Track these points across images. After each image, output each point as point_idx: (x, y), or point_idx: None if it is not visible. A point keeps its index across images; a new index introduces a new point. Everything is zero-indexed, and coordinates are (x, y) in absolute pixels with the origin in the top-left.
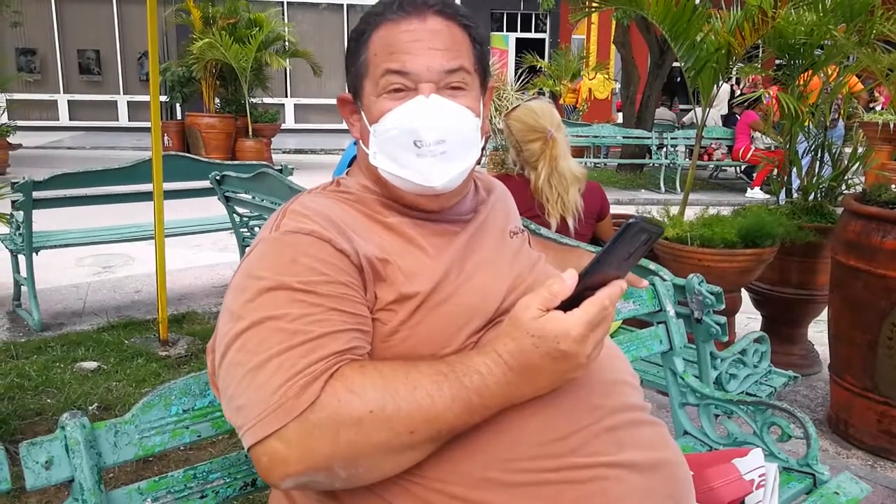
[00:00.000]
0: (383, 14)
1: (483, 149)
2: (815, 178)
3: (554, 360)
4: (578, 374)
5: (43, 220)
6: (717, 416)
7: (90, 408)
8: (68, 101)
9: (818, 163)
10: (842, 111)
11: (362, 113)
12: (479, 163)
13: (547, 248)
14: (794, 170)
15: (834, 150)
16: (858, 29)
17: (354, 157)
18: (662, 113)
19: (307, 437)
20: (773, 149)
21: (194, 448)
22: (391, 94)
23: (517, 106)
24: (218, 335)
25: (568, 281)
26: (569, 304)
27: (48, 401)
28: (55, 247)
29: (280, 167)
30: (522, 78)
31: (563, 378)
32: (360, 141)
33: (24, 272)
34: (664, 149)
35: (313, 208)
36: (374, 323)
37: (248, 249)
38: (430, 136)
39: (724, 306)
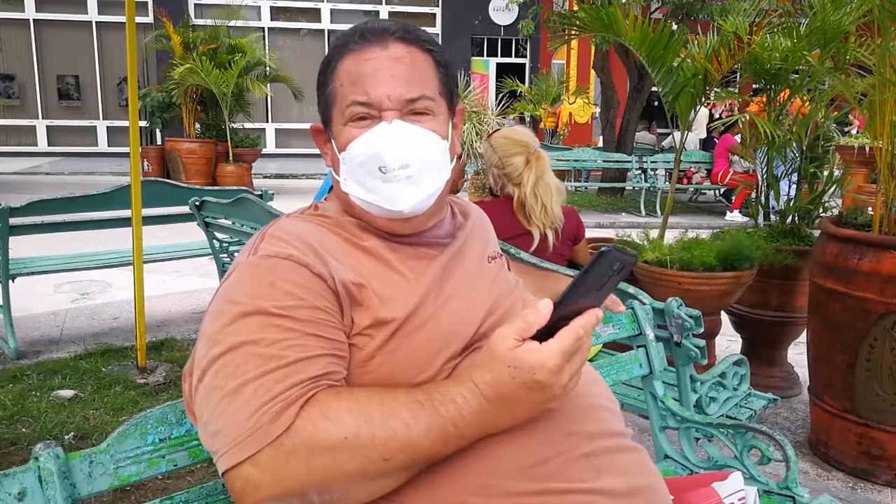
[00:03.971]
0: (347, 45)
1: (463, 173)
2: (792, 202)
3: (530, 391)
4: (555, 405)
5: (20, 246)
6: (697, 439)
7: (66, 437)
8: (47, 126)
9: (796, 186)
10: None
11: (332, 142)
12: (459, 189)
13: (525, 272)
14: (773, 193)
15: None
16: (833, 55)
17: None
18: (642, 136)
19: (281, 463)
20: (751, 172)
21: (172, 477)
22: (356, 122)
23: (498, 129)
24: (195, 360)
25: (543, 310)
26: (544, 334)
27: (23, 430)
28: (32, 274)
29: (260, 192)
30: (503, 102)
31: (539, 408)
32: (333, 168)
33: None
34: (644, 172)
35: (291, 232)
36: (351, 348)
37: (226, 274)
38: (394, 160)
39: (703, 329)
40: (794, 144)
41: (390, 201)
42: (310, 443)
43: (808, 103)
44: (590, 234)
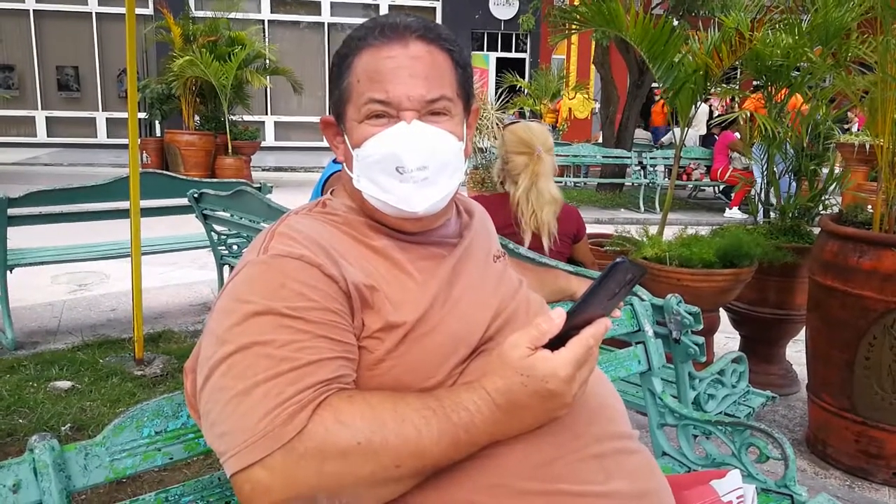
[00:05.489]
0: (366, 39)
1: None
2: (792, 199)
3: (542, 399)
4: (563, 413)
5: (18, 237)
6: (695, 436)
7: (63, 428)
8: (46, 117)
9: (796, 183)
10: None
11: (345, 136)
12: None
13: (525, 268)
14: (772, 190)
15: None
16: (834, 51)
17: (329, 177)
18: (638, 133)
19: (293, 467)
20: (749, 169)
21: (169, 469)
22: (373, 119)
23: (517, 121)
24: (200, 358)
25: (556, 320)
26: (554, 342)
27: (20, 421)
28: (30, 264)
29: (259, 185)
30: (503, 97)
31: (548, 416)
32: (344, 164)
33: None
34: (644, 169)
35: (301, 231)
36: (361, 351)
37: (233, 271)
38: (412, 162)
39: (702, 326)
40: (794, 141)
41: (406, 202)
42: (322, 447)
43: (808, 101)
44: (589, 230)
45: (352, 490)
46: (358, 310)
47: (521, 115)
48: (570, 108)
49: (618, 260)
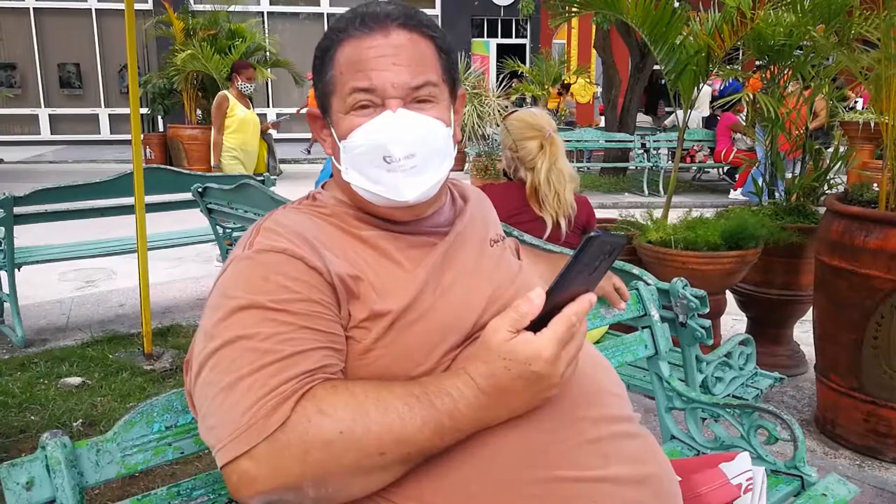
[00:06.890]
0: (346, 30)
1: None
2: (797, 179)
3: (527, 382)
4: (552, 394)
5: (24, 235)
6: (703, 419)
7: (75, 424)
8: (49, 115)
9: (801, 163)
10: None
11: (332, 129)
12: (461, 169)
13: (538, 255)
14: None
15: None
16: (837, 29)
17: None
18: (640, 119)
19: (277, 457)
20: (755, 149)
21: (180, 463)
22: (358, 110)
23: (515, 110)
24: (193, 354)
25: (535, 300)
26: (539, 323)
27: (32, 418)
28: (37, 262)
29: (262, 178)
30: (504, 83)
31: (537, 399)
32: (332, 156)
33: (6, 288)
34: (647, 152)
35: (286, 225)
36: (349, 341)
37: (222, 268)
38: (399, 150)
39: (708, 309)
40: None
41: (395, 191)
42: (305, 437)
43: (811, 80)
44: None
45: (337, 479)
46: (344, 300)
47: (522, 101)
48: (571, 93)
49: (591, 234)
